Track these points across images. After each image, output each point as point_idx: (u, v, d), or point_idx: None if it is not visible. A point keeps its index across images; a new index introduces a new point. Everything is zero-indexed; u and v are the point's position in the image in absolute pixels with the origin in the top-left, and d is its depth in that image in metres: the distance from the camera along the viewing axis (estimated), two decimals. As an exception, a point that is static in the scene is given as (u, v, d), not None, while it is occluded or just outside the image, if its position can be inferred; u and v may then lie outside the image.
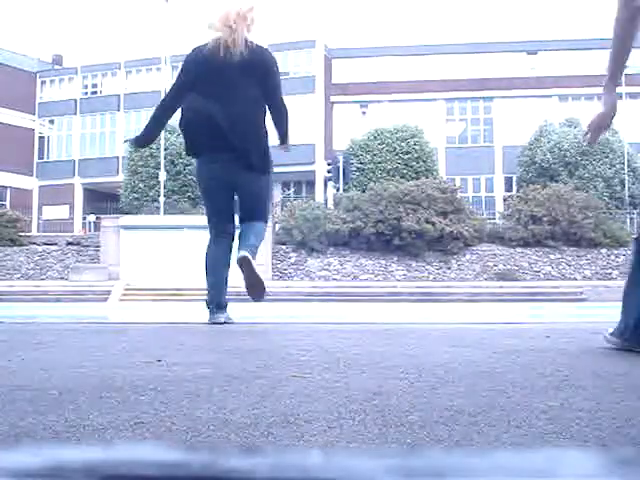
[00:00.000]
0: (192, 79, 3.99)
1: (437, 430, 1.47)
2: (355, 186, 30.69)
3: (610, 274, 26.17)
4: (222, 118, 3.85)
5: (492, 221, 29.61)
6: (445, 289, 22.09)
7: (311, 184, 37.55)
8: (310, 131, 36.67)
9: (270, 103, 4.05)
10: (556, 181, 29.16)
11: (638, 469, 0.41)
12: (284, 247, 26.68)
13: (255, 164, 3.96)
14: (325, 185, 34.56)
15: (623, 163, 30.35)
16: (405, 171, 31.54)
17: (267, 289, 4.18)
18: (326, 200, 31.66)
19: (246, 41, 3.88)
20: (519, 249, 26.69)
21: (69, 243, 28.64)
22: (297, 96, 37.63)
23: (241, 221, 4.18)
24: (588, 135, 2.85)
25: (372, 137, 33.17)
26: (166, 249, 25.25)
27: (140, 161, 34.10)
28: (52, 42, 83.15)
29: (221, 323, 4.19)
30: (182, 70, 4.08)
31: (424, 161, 32.34)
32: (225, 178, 4.00)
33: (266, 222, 4.20)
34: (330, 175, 30.67)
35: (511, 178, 35.20)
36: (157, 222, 26.95)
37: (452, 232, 25.69)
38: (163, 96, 4.24)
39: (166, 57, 34.15)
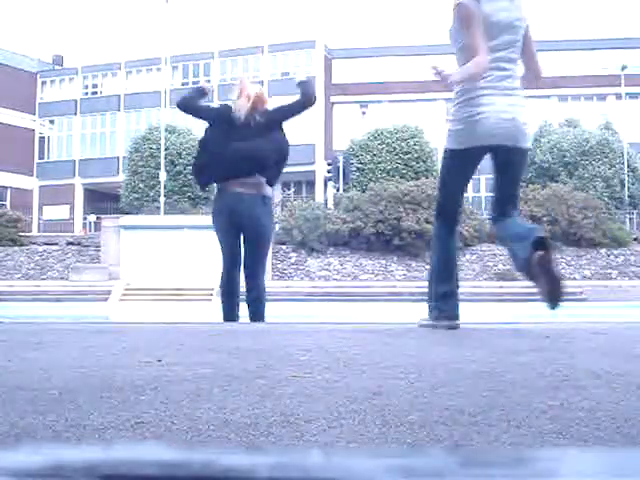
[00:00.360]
0: (206, 114, 4.86)
1: (437, 430, 1.47)
2: (355, 186, 30.69)
3: (610, 274, 26.16)
4: (234, 164, 4.53)
5: (492, 221, 29.57)
6: (445, 289, 22.02)
7: (311, 184, 37.56)
8: (310, 131, 36.67)
9: (293, 111, 4.94)
10: (556, 181, 29.16)
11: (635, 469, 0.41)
12: (284, 247, 26.68)
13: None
14: (325, 185, 34.55)
15: (623, 163, 30.34)
16: (405, 171, 31.54)
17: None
18: (326, 200, 31.66)
19: (256, 108, 4.66)
20: (519, 249, 26.68)
21: (69, 243, 28.64)
22: (297, 96, 37.62)
23: (246, 268, 4.74)
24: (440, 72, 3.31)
25: (372, 137, 33.18)
26: (166, 249, 25.26)
27: (140, 161, 34.10)
28: (52, 42, 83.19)
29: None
30: (208, 106, 5.05)
31: (424, 161, 32.35)
32: (233, 222, 4.63)
33: (264, 270, 4.83)
34: (330, 175, 30.68)
35: (511, 178, 35.21)
36: (157, 222, 26.95)
37: (452, 232, 25.67)
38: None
39: (166, 57, 34.15)
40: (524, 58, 3.46)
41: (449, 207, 3.53)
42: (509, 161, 3.44)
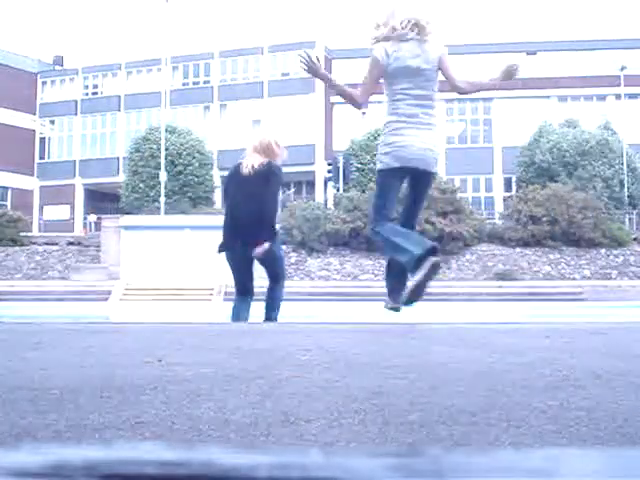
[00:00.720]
0: (229, 188, 5.46)
1: (437, 430, 1.47)
2: (355, 186, 30.69)
3: (609, 274, 26.16)
4: (242, 214, 5.25)
5: (492, 221, 29.59)
6: (445, 289, 22.07)
7: (311, 184, 37.56)
8: (310, 131, 36.67)
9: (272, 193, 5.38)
10: (555, 181, 29.15)
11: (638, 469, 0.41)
12: (284, 247, 26.68)
13: (263, 239, 5.25)
14: (325, 185, 34.54)
15: (622, 163, 30.33)
16: (405, 171, 31.53)
17: None
18: (326, 200, 31.66)
19: (262, 162, 5.23)
20: (518, 249, 26.69)
21: (70, 243, 28.65)
22: (297, 96, 37.62)
23: (269, 279, 5.47)
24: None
25: (372, 137, 33.14)
26: (166, 249, 25.26)
27: (140, 161, 34.09)
28: (53, 43, 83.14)
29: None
30: (225, 184, 5.64)
31: (424, 161, 32.31)
32: (244, 255, 5.31)
33: (284, 278, 5.57)
34: (330, 175, 30.67)
35: (510, 178, 35.20)
36: (157, 222, 26.95)
37: (452, 232, 25.68)
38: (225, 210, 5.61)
39: (166, 57, 34.15)
40: (449, 83, 4.13)
41: (385, 211, 4.20)
42: (421, 182, 4.24)
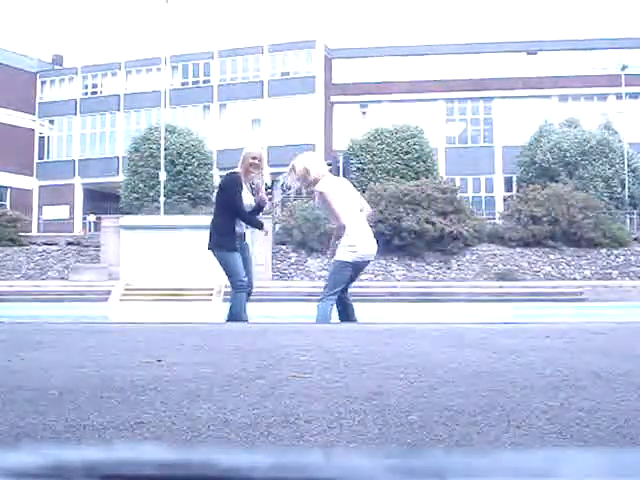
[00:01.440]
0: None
1: (437, 430, 1.47)
2: (355, 186, 30.59)
3: (610, 274, 26.16)
4: None
5: (492, 221, 29.59)
6: (445, 289, 22.07)
7: (311, 184, 37.54)
8: (310, 131, 36.67)
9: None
10: (556, 181, 29.14)
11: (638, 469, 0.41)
12: (284, 247, 26.67)
13: (212, 247, 5.91)
14: (325, 185, 34.42)
15: (623, 163, 30.33)
16: (405, 171, 31.52)
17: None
18: (326, 200, 31.45)
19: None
20: (519, 249, 26.68)
21: (69, 243, 28.63)
22: (297, 96, 37.61)
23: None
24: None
25: (372, 137, 33.16)
26: (166, 249, 25.25)
27: (140, 161, 34.08)
28: (52, 42, 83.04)
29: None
30: None
31: (424, 161, 32.33)
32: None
33: (236, 288, 5.85)
34: (330, 175, 30.61)
35: (511, 178, 35.19)
36: (157, 222, 26.94)
37: (452, 232, 25.67)
38: None
39: (166, 57, 34.13)
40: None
41: (340, 289, 5.66)
42: (366, 264, 5.98)
